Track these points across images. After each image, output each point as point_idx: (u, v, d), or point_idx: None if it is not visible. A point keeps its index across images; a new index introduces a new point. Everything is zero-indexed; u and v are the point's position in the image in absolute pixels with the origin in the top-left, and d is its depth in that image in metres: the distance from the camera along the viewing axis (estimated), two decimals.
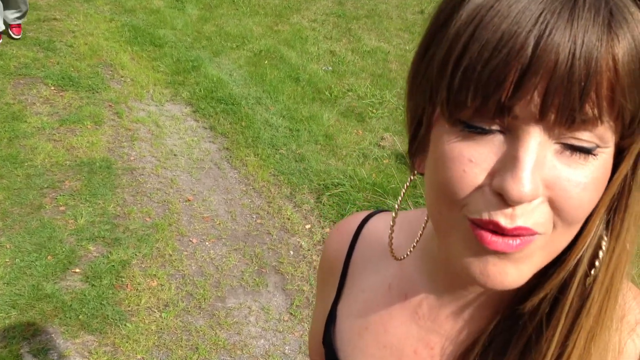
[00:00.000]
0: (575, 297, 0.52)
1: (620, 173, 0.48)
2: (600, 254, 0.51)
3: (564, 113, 0.42)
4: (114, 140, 4.59)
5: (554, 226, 0.47)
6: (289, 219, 3.79)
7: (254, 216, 3.82)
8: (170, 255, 3.37)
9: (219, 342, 2.81)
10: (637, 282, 0.59)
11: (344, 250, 0.76)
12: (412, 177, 0.61)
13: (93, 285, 3.07)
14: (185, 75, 5.80)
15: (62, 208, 3.69)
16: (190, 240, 3.52)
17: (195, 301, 3.06)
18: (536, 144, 0.44)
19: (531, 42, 0.41)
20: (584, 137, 0.44)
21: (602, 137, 0.44)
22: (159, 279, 3.18)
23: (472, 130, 0.46)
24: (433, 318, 0.64)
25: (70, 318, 2.84)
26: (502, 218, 0.45)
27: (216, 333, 2.86)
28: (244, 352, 2.78)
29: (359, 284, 0.73)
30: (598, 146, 0.45)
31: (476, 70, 0.43)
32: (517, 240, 0.46)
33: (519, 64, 0.42)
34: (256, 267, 3.36)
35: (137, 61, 6.08)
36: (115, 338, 2.77)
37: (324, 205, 3.95)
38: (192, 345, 2.78)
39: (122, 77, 5.67)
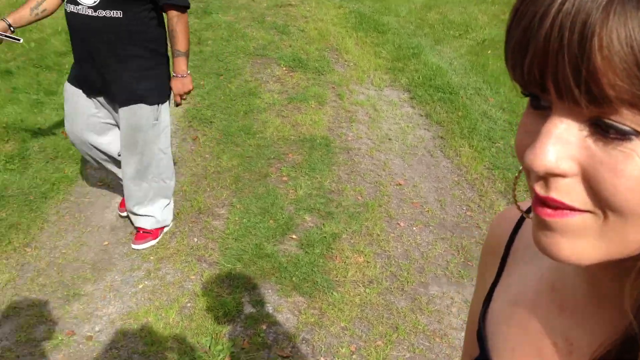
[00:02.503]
0: None
1: None
2: None
3: (568, 90, 0.42)
4: (334, 120, 4.85)
5: (605, 214, 0.46)
6: None
7: (464, 208, 3.79)
8: (378, 235, 3.49)
9: (419, 326, 2.85)
10: None
11: (507, 236, 0.77)
12: None
13: (306, 252, 3.30)
14: (405, 61, 5.90)
15: (284, 178, 4.01)
16: (398, 224, 3.61)
17: (398, 282, 3.14)
18: (560, 119, 0.45)
19: (537, 18, 0.42)
20: (620, 120, 0.42)
21: None
22: (365, 255, 3.31)
23: (534, 103, 0.48)
24: (577, 313, 0.62)
25: (285, 278, 3.11)
26: (537, 186, 0.48)
27: (416, 317, 2.92)
28: (443, 341, 2.79)
29: (516, 270, 0.74)
30: (638, 132, 0.42)
31: (509, 46, 0.46)
32: (552, 210, 0.48)
33: (526, 39, 0.44)
34: (462, 259, 3.33)
35: (361, 46, 6.32)
36: (322, 303, 2.96)
37: None
38: (392, 324, 2.87)
39: (346, 61, 5.94)
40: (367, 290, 3.07)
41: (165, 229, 3.44)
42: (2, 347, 2.69)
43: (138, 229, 3.34)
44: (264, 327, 2.82)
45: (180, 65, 2.90)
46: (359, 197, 3.84)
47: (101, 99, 3.02)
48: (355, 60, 5.93)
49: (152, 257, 3.26)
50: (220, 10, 7.04)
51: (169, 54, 3.01)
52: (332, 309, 2.93)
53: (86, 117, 3.03)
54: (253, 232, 3.45)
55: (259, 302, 2.96)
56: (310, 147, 4.39)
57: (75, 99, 3.01)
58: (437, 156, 4.38)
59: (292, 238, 3.43)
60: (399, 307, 2.98)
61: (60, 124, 4.48)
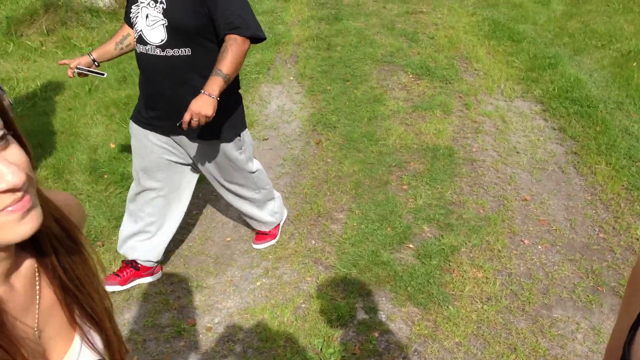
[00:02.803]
0: None
1: None
2: None
3: None
4: (459, 130, 4.72)
5: None
6: (638, 239, 3.41)
7: (597, 229, 3.53)
8: (499, 251, 3.35)
9: (539, 350, 2.70)
10: None
11: None
12: None
13: (423, 262, 3.24)
14: (540, 72, 5.62)
15: (405, 187, 3.97)
16: (522, 241, 3.44)
17: (519, 302, 2.99)
18: None
19: None
20: None
21: None
22: (485, 271, 3.19)
23: None
24: None
25: (399, 287, 3.06)
26: None
27: (537, 340, 2.76)
28: None
29: None
30: None
31: None
32: None
33: None
34: (591, 284, 3.11)
35: (493, 55, 6.12)
36: (437, 316, 2.89)
37: None
38: (510, 344, 2.73)
39: (475, 70, 5.78)
40: (485, 307, 2.95)
41: (282, 222, 3.52)
42: (131, 330, 2.88)
43: (258, 231, 3.45)
44: (376, 334, 2.80)
45: (212, 85, 2.44)
46: (481, 211, 3.71)
47: (176, 137, 2.82)
48: (486, 70, 5.75)
49: (270, 256, 3.35)
50: (351, 16, 7.12)
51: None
52: (447, 323, 2.84)
53: (156, 156, 2.87)
54: (370, 239, 3.44)
55: (372, 309, 2.95)
56: (433, 157, 4.30)
57: (144, 140, 2.85)
58: (569, 172, 4.12)
59: (409, 247, 3.38)
60: (519, 327, 2.83)
61: None
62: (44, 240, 0.89)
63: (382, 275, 3.15)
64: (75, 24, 6.72)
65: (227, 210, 3.78)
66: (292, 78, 5.68)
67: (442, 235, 3.46)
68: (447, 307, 2.93)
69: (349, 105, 5.09)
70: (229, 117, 2.80)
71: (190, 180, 3.08)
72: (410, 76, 5.64)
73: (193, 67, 2.59)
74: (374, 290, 3.07)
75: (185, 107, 2.46)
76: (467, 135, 4.65)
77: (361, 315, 2.92)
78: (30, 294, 0.89)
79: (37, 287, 0.90)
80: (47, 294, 0.92)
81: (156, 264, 3.19)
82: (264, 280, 3.19)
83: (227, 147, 2.85)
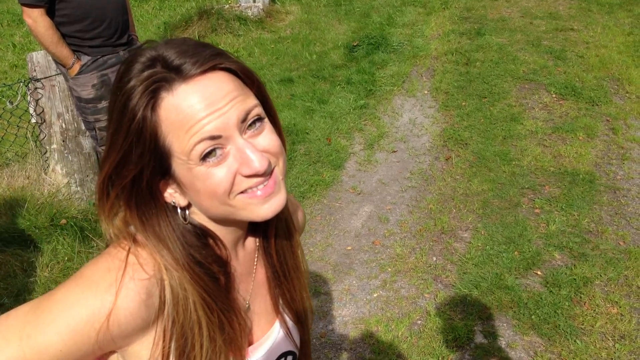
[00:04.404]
0: None
1: None
2: None
3: None
4: (602, 155, 4.41)
5: None
6: None
7: None
8: (639, 287, 3.07)
9: None
10: None
11: None
12: None
13: (551, 291, 3.05)
14: None
15: (537, 210, 3.77)
16: None
17: None
18: None
19: None
20: None
21: None
22: (620, 307, 2.94)
23: None
24: None
25: (523, 315, 2.91)
26: None
27: None
28: None
29: None
30: None
31: None
32: None
33: None
34: None
35: None
36: (562, 350, 2.70)
37: None
38: None
39: (627, 92, 5.37)
40: (617, 345, 2.71)
41: None
42: None
43: None
44: None
45: None
46: (621, 243, 3.42)
47: None
48: (639, 93, 5.32)
49: (389, 269, 3.33)
50: (494, 32, 6.91)
51: None
52: (573, 358, 2.65)
53: None
54: (495, 261, 3.30)
55: (492, 334, 2.82)
56: (571, 182, 4.05)
57: None
58: None
59: (536, 274, 3.20)
60: None
61: (326, 131, 4.84)
62: (272, 224, 0.98)
63: (505, 300, 3.01)
64: (224, 31, 7.14)
65: (350, 219, 3.81)
66: (426, 92, 5.62)
67: (574, 265, 3.24)
68: (575, 341, 2.74)
69: (484, 123, 4.93)
70: None
71: None
72: (553, 95, 5.35)
73: None
74: (495, 314, 2.94)
75: None
76: (612, 161, 4.32)
77: (479, 338, 2.81)
78: (248, 267, 0.98)
79: (255, 263, 1.00)
80: (261, 272, 1.01)
81: None
82: (381, 292, 3.17)
83: None
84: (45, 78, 3.67)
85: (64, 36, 3.18)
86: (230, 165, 0.78)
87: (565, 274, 3.17)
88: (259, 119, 0.81)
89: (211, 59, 0.78)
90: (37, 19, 3.07)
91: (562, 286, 3.07)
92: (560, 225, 3.59)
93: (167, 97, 0.76)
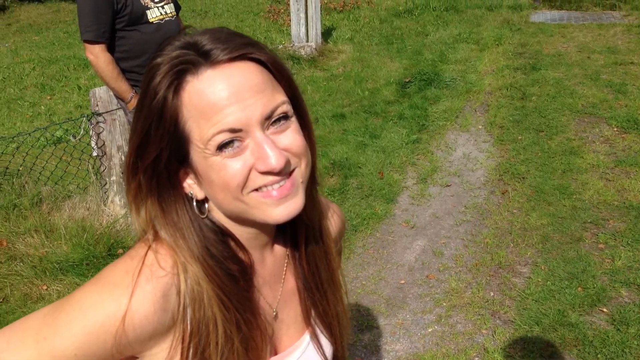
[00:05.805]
0: None
1: None
2: None
3: None
4: None
5: None
6: None
7: None
8: None
9: None
10: None
11: None
12: None
13: (618, 329, 2.87)
14: None
15: (601, 245, 3.59)
16: None
17: None
18: None
19: None
20: None
21: None
22: None
23: None
24: None
25: (588, 353, 2.73)
26: None
27: None
28: None
29: None
30: None
31: None
32: None
33: None
34: None
35: None
36: None
37: None
38: None
39: None
40: None
41: None
42: None
43: None
44: None
45: None
46: None
47: None
48: None
49: (444, 304, 3.21)
50: (550, 66, 6.79)
51: None
52: None
53: None
54: (557, 297, 3.14)
55: None
56: (637, 216, 3.85)
57: None
58: None
59: (601, 311, 3.02)
60: None
61: (378, 165, 4.80)
62: (301, 231, 0.94)
63: (569, 337, 2.84)
64: None
65: (404, 252, 3.72)
66: (480, 127, 5.52)
67: None
68: None
69: (541, 157, 4.79)
70: None
71: None
72: (615, 129, 5.17)
73: None
74: (558, 352, 2.78)
75: None
76: None
77: None
78: (277, 275, 0.95)
79: (284, 271, 0.96)
80: (290, 282, 0.97)
81: None
82: (436, 327, 3.05)
83: None
84: (106, 112, 3.79)
85: (123, 71, 3.29)
86: (247, 159, 0.76)
87: (634, 311, 2.98)
88: (285, 116, 0.78)
89: (242, 47, 0.76)
90: (98, 55, 3.18)
91: (630, 324, 2.89)
92: (627, 260, 3.41)
93: (192, 80, 0.75)
